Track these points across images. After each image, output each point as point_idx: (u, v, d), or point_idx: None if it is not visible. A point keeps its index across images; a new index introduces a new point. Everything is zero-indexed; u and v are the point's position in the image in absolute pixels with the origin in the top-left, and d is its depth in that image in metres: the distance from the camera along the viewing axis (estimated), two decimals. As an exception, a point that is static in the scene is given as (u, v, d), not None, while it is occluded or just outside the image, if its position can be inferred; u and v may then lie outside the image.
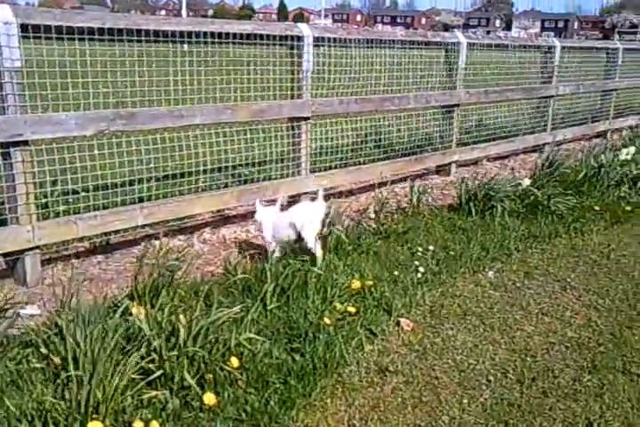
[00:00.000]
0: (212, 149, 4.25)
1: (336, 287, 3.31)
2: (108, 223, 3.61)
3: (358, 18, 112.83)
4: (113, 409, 2.11)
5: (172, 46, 3.81)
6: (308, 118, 4.69)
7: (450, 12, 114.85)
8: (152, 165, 4.03)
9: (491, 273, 3.88)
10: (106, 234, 3.75)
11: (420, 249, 4.10)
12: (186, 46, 3.92)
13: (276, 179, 4.71)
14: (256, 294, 3.17)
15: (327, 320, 2.99)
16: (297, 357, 2.69)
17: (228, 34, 4.04)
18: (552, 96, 7.55)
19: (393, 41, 5.44)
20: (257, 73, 4.35)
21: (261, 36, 4.27)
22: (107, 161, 3.68)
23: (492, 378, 2.72)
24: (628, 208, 5.22)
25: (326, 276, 3.38)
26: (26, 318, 2.87)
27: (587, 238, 4.57)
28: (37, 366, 2.33)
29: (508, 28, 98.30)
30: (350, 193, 5.47)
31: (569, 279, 3.84)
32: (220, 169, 4.57)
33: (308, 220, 3.62)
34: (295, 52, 4.51)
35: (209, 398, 2.29)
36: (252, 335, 2.69)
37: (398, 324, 3.14)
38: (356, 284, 3.40)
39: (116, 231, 3.76)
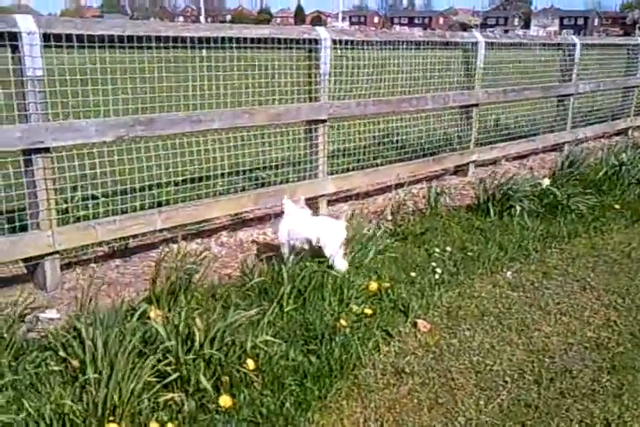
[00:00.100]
0: (230, 153, 4.28)
1: (353, 289, 3.32)
2: (126, 228, 3.65)
3: (375, 20, 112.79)
4: (130, 411, 2.14)
5: (191, 52, 3.85)
6: (326, 121, 4.70)
7: (468, 12, 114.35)
8: (170, 170, 4.07)
9: (509, 273, 3.86)
10: (124, 238, 3.79)
11: (438, 250, 4.09)
12: (204, 51, 3.96)
13: (293, 182, 4.72)
14: (273, 296, 3.19)
15: (343, 322, 3.00)
16: (313, 359, 2.70)
17: (246, 38, 4.07)
18: (572, 94, 7.48)
19: (411, 42, 5.43)
20: (274, 77, 4.37)
21: (279, 40, 4.29)
22: (126, 166, 3.72)
23: (508, 379, 2.70)
24: (650, 206, 5.16)
25: (343, 278, 3.39)
26: (45, 321, 2.92)
27: (607, 237, 4.53)
28: (56, 369, 2.37)
29: (527, 26, 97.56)
30: (367, 195, 5.47)
31: (588, 279, 3.80)
32: (237, 173, 4.60)
33: (333, 239, 3.57)
34: (313, 55, 4.53)
35: (225, 401, 2.31)
36: (268, 338, 2.70)
37: (415, 325, 3.13)
38: (373, 285, 3.40)
39: (135, 236, 3.80)
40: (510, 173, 5.74)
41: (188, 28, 3.85)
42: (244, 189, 4.50)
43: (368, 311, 3.16)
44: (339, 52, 4.72)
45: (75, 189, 3.69)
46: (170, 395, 2.29)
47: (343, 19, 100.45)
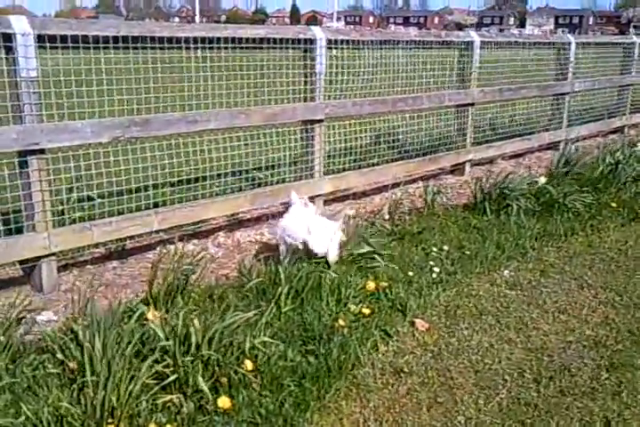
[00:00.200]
0: (227, 153, 4.28)
1: (350, 289, 3.31)
2: (122, 229, 3.64)
3: (371, 19, 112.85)
4: (128, 413, 2.13)
5: (186, 52, 3.84)
6: (322, 121, 4.69)
7: (463, 11, 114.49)
8: (167, 171, 4.06)
9: (506, 272, 3.85)
10: (121, 240, 3.78)
11: (435, 249, 4.09)
12: (199, 52, 3.95)
13: (289, 182, 4.72)
14: (270, 296, 3.18)
15: (341, 322, 2.99)
16: (311, 359, 2.69)
17: (241, 39, 4.06)
18: (567, 93, 7.49)
19: (406, 41, 5.43)
20: (270, 77, 4.37)
21: (274, 40, 4.28)
22: (122, 167, 3.71)
23: (508, 378, 2.70)
24: (646, 204, 5.16)
25: (340, 277, 3.38)
26: (42, 324, 2.91)
27: (603, 236, 4.53)
28: (53, 371, 2.35)
29: (522, 25, 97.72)
30: (364, 194, 5.47)
31: (586, 277, 3.80)
32: (233, 173, 4.59)
33: (323, 239, 3.57)
34: (308, 54, 4.52)
35: (223, 402, 2.30)
36: (266, 338, 2.69)
37: (413, 324, 3.13)
38: (371, 285, 3.40)
39: (131, 237, 3.79)
40: (506, 172, 5.74)
41: (182, 29, 3.85)
42: (240, 190, 4.49)
43: (366, 311, 3.15)
44: (334, 51, 4.72)
45: (71, 190, 3.67)
46: (168, 397, 2.28)
47: (338, 19, 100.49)
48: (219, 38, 3.94)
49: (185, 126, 3.87)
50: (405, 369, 2.73)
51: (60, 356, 2.43)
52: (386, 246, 4.06)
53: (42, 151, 3.27)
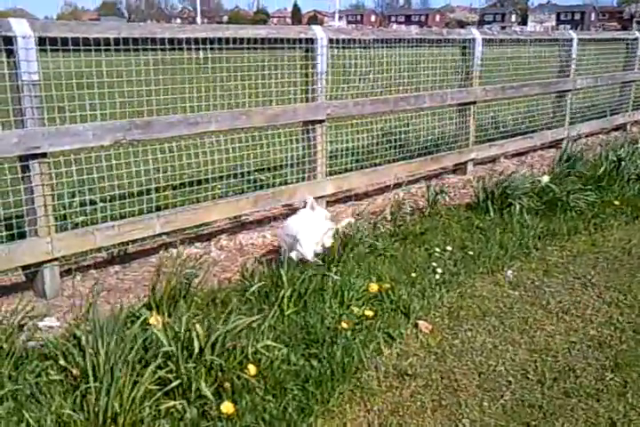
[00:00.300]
0: (228, 155, 4.27)
1: (353, 291, 3.30)
2: (125, 233, 3.63)
3: (372, 18, 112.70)
4: (131, 420, 2.13)
5: (188, 53, 3.84)
6: (323, 121, 4.68)
7: (464, 9, 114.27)
8: (169, 173, 4.06)
9: (509, 272, 3.84)
10: (123, 244, 3.78)
11: (438, 250, 4.08)
12: (201, 53, 3.94)
13: (292, 183, 4.71)
14: (273, 299, 3.18)
15: (344, 325, 2.98)
16: (315, 362, 2.68)
17: (242, 39, 4.06)
18: (570, 90, 7.46)
19: (408, 40, 5.41)
20: (271, 77, 4.36)
21: (276, 40, 4.28)
22: (124, 171, 3.71)
23: (512, 379, 2.69)
24: (650, 202, 5.14)
25: (343, 280, 3.38)
26: (45, 330, 2.91)
27: (607, 234, 4.51)
28: (56, 378, 2.35)
29: (524, 22, 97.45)
30: (366, 195, 5.46)
31: (589, 276, 3.79)
32: (235, 175, 4.59)
33: (304, 231, 3.57)
34: (309, 54, 4.51)
35: (227, 407, 2.29)
36: (269, 342, 2.69)
37: (416, 326, 3.12)
38: (373, 287, 3.39)
39: (134, 241, 3.78)
40: (509, 171, 5.73)
41: (184, 30, 3.84)
42: (242, 192, 4.48)
43: (369, 313, 3.14)
44: (335, 51, 4.71)
45: (73, 194, 3.67)
46: (171, 402, 2.28)
47: (340, 18, 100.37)
48: (220, 39, 3.94)
49: (186, 128, 3.86)
50: (409, 372, 2.72)
51: (62, 362, 2.43)
52: (388, 247, 4.05)
53: (43, 155, 3.26)
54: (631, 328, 3.13)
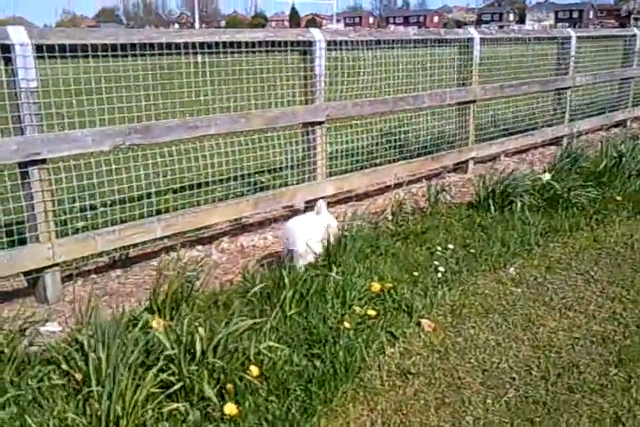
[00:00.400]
0: (228, 158, 4.27)
1: (355, 291, 3.29)
2: (126, 237, 3.63)
3: (370, 20, 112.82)
4: (134, 423, 2.13)
5: (185, 58, 3.84)
6: (323, 123, 4.68)
7: (462, 9, 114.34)
8: (169, 177, 4.06)
9: (512, 269, 3.83)
10: (125, 248, 3.78)
11: (440, 248, 4.07)
12: (199, 57, 3.95)
13: (292, 184, 4.71)
14: (275, 300, 3.17)
15: (347, 324, 2.98)
16: (317, 363, 2.68)
17: (240, 43, 4.06)
18: (569, 87, 7.46)
19: (406, 41, 5.42)
20: (270, 80, 4.37)
21: (273, 43, 4.28)
22: (123, 175, 3.71)
23: (515, 376, 2.68)
24: (651, 197, 5.13)
25: (345, 280, 3.37)
26: (47, 335, 2.90)
27: (609, 230, 4.50)
28: (59, 382, 2.35)
29: (522, 21, 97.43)
30: (367, 195, 5.46)
31: (592, 272, 3.78)
32: (236, 178, 4.59)
33: (301, 234, 3.61)
34: (308, 57, 4.52)
35: (230, 409, 2.29)
36: (271, 343, 2.68)
37: (419, 325, 3.11)
38: (376, 286, 3.38)
39: (135, 245, 3.79)
40: (510, 169, 5.72)
41: (181, 35, 3.85)
42: (242, 194, 4.49)
43: (371, 313, 3.13)
44: (333, 53, 4.72)
45: (73, 199, 3.67)
46: (174, 405, 2.27)
47: (338, 20, 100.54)
48: (217, 43, 3.95)
49: (185, 132, 3.87)
50: (412, 370, 2.72)
51: (64, 367, 2.43)
52: (390, 247, 4.05)
53: (43, 161, 3.27)
54: (635, 323, 3.12)
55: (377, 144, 5.54)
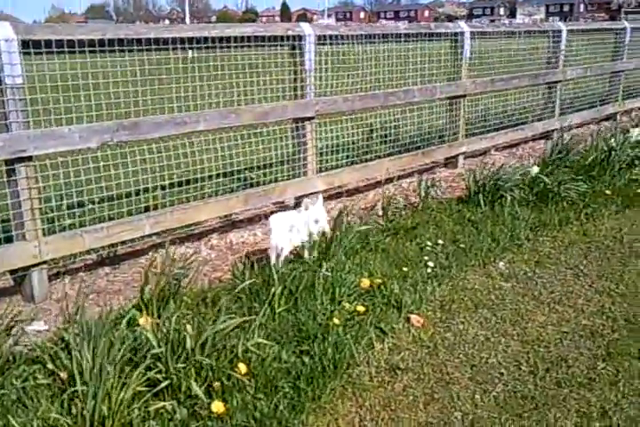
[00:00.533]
0: (217, 154, 4.25)
1: (344, 287, 3.29)
2: (114, 235, 3.61)
3: (362, 15, 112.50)
4: (120, 422, 2.11)
5: (174, 53, 3.81)
6: (313, 118, 4.66)
7: (453, 4, 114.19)
8: (157, 174, 4.03)
9: (501, 264, 3.83)
10: (113, 245, 3.76)
11: (430, 244, 4.07)
12: (190, 53, 3.92)
13: (282, 181, 4.69)
14: (264, 297, 3.16)
15: (336, 321, 2.97)
16: (306, 359, 2.67)
17: (229, 37, 4.03)
18: (559, 81, 7.46)
19: (396, 35, 5.40)
20: (260, 75, 4.34)
21: (262, 38, 4.25)
22: (112, 172, 3.69)
23: (504, 371, 2.68)
24: (640, 191, 5.15)
25: (334, 275, 3.36)
26: (33, 334, 2.88)
27: (598, 224, 4.51)
28: (44, 382, 2.33)
29: (513, 15, 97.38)
30: (357, 191, 5.44)
31: (581, 266, 3.79)
32: (225, 174, 4.56)
33: (279, 230, 3.59)
34: (297, 51, 4.49)
35: (217, 407, 2.28)
36: (260, 340, 2.67)
37: (408, 320, 3.11)
38: (365, 282, 3.38)
39: (123, 242, 3.76)
40: (500, 163, 5.72)
41: (169, 30, 3.82)
42: (232, 191, 4.46)
43: (360, 309, 3.13)
44: (324, 47, 4.69)
45: (61, 197, 3.65)
46: (161, 403, 2.26)
47: (329, 15, 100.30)
48: (206, 38, 3.91)
49: (174, 128, 3.84)
50: (401, 366, 2.71)
51: (50, 366, 2.41)
52: (380, 242, 4.04)
53: (29, 158, 3.24)
54: (623, 317, 3.13)
55: (368, 139, 5.53)
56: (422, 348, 2.87)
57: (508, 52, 6.82)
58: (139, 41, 3.58)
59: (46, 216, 3.49)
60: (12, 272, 3.34)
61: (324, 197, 5.06)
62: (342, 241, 3.86)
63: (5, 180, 3.24)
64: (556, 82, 7.42)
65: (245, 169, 4.87)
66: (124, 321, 2.72)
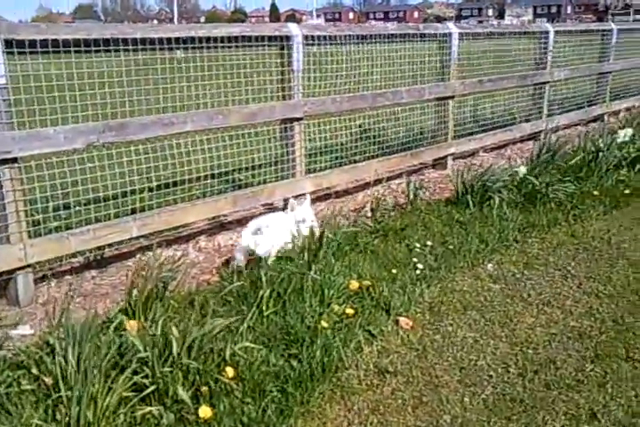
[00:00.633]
0: (206, 155, 4.22)
1: (333, 289, 3.27)
2: (101, 237, 3.57)
3: (351, 15, 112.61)
4: (105, 428, 2.09)
5: (161, 53, 3.78)
6: (301, 119, 4.64)
7: (442, 5, 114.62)
8: (144, 176, 4.00)
9: (490, 266, 3.83)
10: (100, 248, 3.72)
11: (418, 245, 4.06)
12: (178, 53, 3.89)
13: (270, 182, 4.67)
14: (252, 300, 3.14)
15: (324, 323, 2.95)
16: (294, 363, 2.65)
17: (217, 38, 4.01)
18: (547, 82, 7.48)
19: (385, 35, 5.39)
20: (247, 76, 4.32)
21: (250, 38, 4.23)
22: (98, 174, 3.65)
23: (493, 373, 2.68)
24: (627, 191, 5.17)
25: (323, 278, 3.34)
26: (18, 338, 2.85)
27: (586, 225, 4.52)
28: (28, 387, 2.29)
29: (501, 16, 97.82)
30: (346, 192, 5.43)
31: (569, 268, 3.79)
32: (214, 175, 4.54)
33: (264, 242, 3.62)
34: (285, 52, 4.47)
35: (204, 412, 2.25)
36: (247, 344, 2.65)
37: (397, 323, 3.10)
38: (354, 284, 3.36)
39: (110, 244, 3.73)
40: (488, 164, 5.73)
41: (156, 30, 3.78)
42: (220, 192, 4.44)
43: (349, 311, 3.11)
44: (312, 48, 4.67)
45: (47, 199, 3.61)
46: (147, 408, 2.24)
47: (318, 16, 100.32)
48: (194, 38, 3.89)
49: (161, 129, 3.81)
50: (390, 369, 2.70)
51: (35, 371, 2.38)
52: (369, 244, 4.03)
53: (14, 160, 3.20)
54: (611, 319, 3.14)
55: (356, 140, 5.51)
56: (411, 350, 2.86)
57: (496, 53, 6.84)
58: (125, 41, 3.55)
59: (32, 218, 3.45)
60: (-3, 276, 3.30)
61: (312, 199, 5.08)
62: (331, 243, 3.85)
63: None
64: (544, 83, 7.44)
65: (234, 170, 4.85)
66: (111, 325, 2.68)
